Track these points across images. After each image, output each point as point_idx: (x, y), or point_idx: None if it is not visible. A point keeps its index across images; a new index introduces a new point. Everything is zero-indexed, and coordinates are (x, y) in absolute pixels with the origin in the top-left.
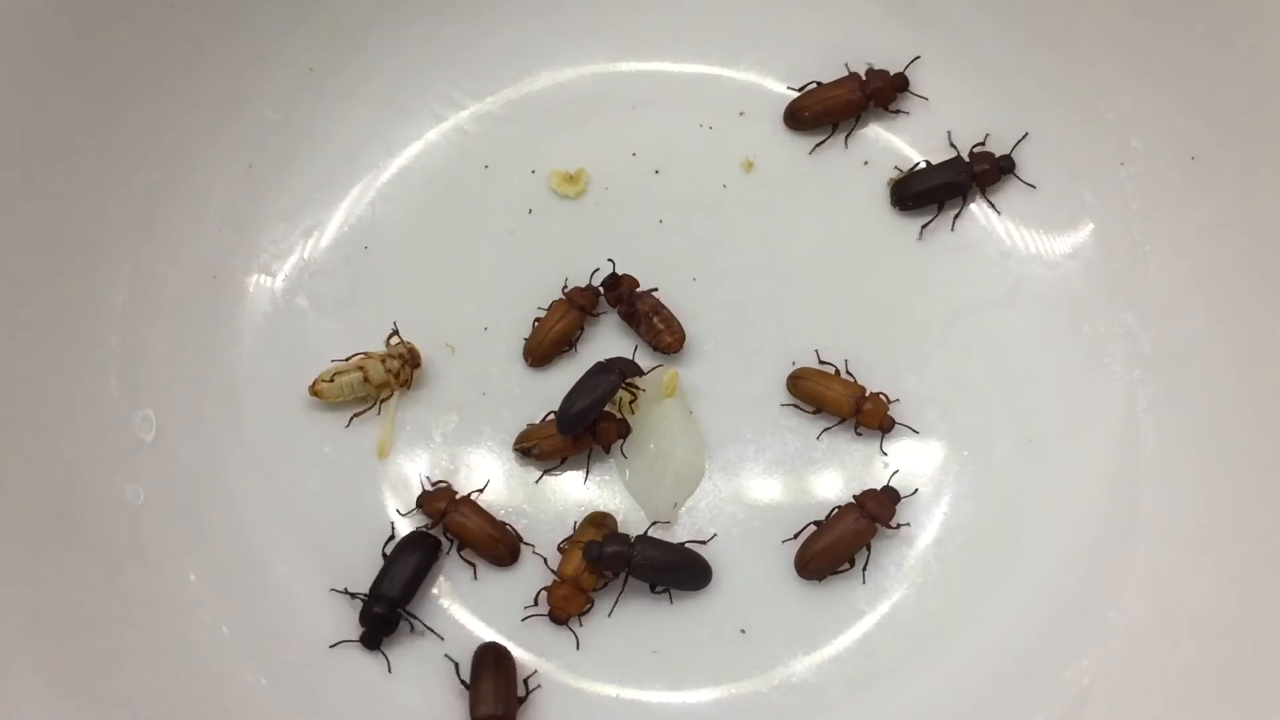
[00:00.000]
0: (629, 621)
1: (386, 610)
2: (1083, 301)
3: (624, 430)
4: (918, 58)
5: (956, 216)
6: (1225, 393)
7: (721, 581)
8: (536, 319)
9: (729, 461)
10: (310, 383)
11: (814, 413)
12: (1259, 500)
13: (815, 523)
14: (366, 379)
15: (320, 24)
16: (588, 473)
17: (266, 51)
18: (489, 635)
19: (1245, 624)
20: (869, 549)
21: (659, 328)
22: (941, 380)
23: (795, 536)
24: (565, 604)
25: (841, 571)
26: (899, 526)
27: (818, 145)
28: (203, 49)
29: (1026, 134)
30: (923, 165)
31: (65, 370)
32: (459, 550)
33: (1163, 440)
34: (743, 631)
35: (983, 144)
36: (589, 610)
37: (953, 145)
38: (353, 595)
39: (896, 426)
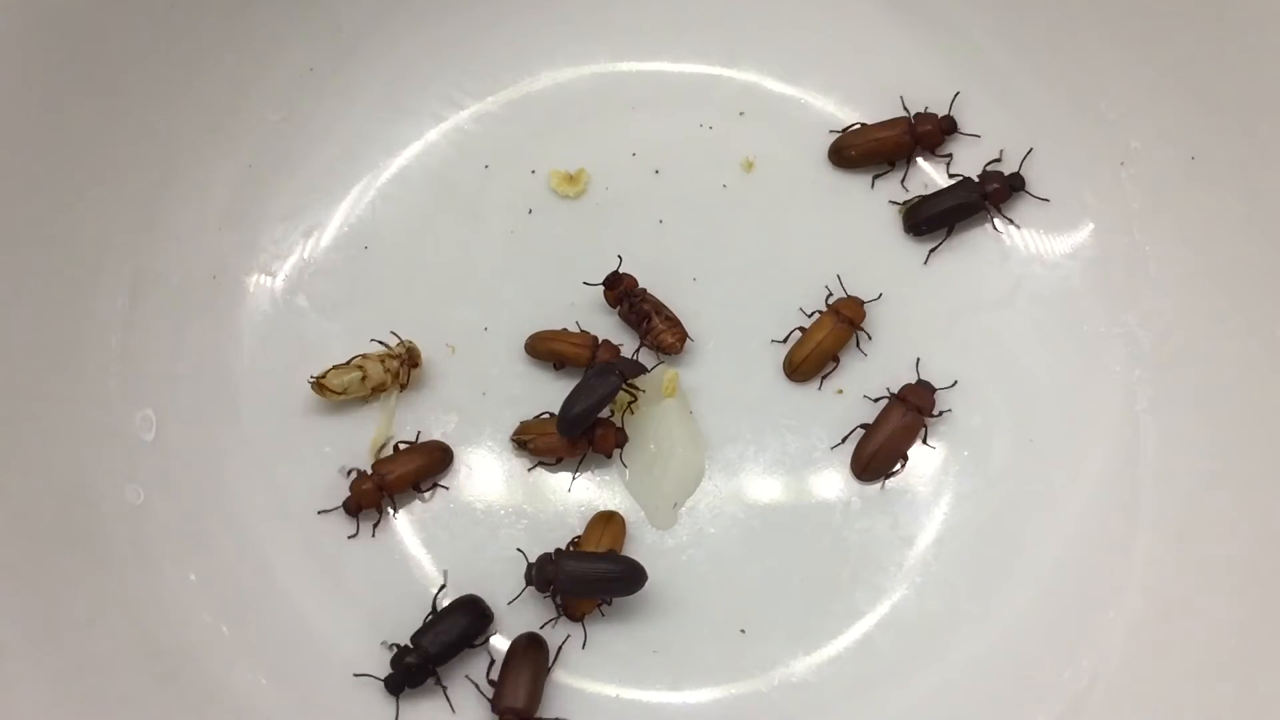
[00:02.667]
0: (629, 621)
1: (419, 663)
2: (1083, 301)
3: (621, 439)
4: (958, 94)
5: (993, 221)
6: (1225, 393)
7: (721, 581)
8: (566, 327)
9: (729, 461)
10: (310, 380)
11: (835, 366)
12: (1259, 500)
13: (862, 426)
14: (365, 378)
15: (320, 24)
16: (574, 475)
17: (266, 51)
18: (494, 636)
19: (1245, 624)
20: (925, 433)
21: (660, 328)
22: (941, 380)
23: (844, 440)
24: (579, 602)
25: (895, 474)
26: (941, 414)
27: (876, 177)
28: (203, 49)
29: (1031, 149)
30: (927, 190)
31: (65, 370)
32: (420, 490)
33: (1163, 440)
34: (743, 631)
35: (998, 160)
36: (607, 605)
37: (953, 174)
38: (393, 647)
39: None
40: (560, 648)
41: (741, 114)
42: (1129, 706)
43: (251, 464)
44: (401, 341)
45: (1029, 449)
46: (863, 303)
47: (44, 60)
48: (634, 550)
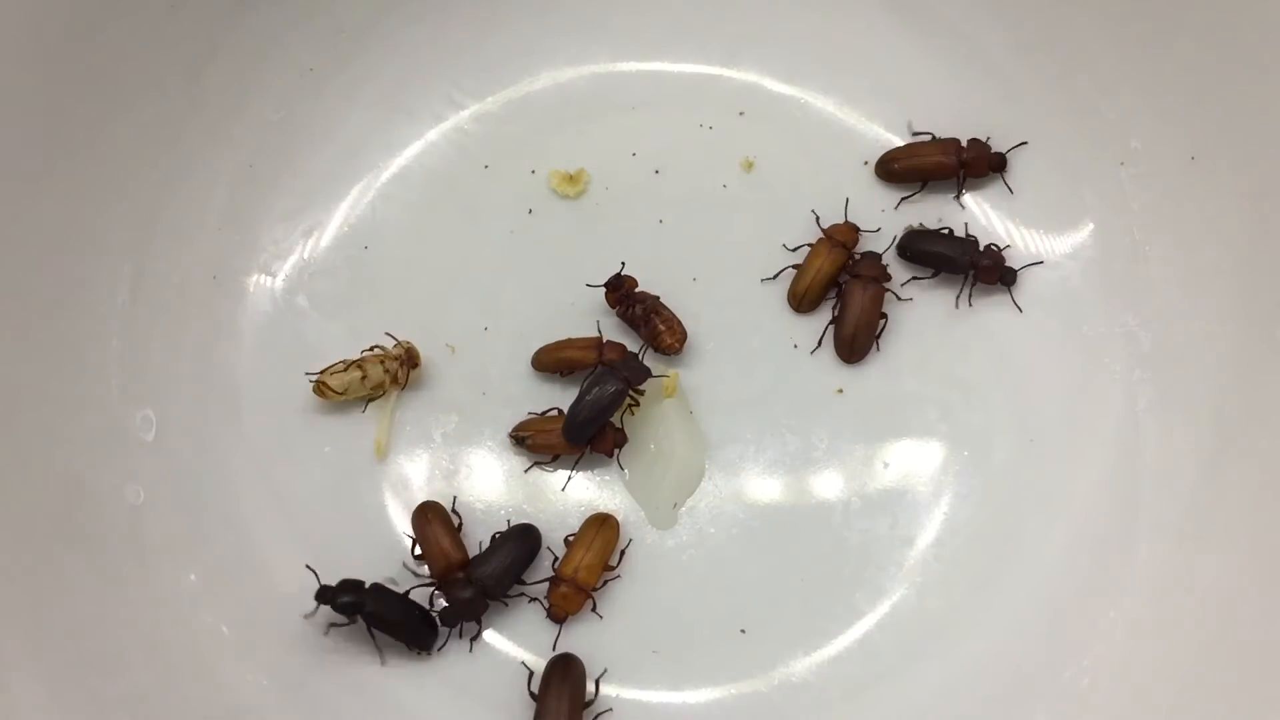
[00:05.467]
0: (629, 621)
1: (352, 602)
2: (1083, 301)
3: (620, 440)
4: (1024, 143)
5: (959, 294)
6: (1225, 393)
7: (721, 581)
8: (571, 337)
9: (729, 461)
10: (312, 382)
11: (836, 295)
12: (1259, 500)
13: (832, 308)
14: (365, 378)
15: (320, 24)
16: (571, 473)
17: (266, 51)
18: (490, 636)
19: (1245, 624)
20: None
21: (660, 328)
22: (941, 380)
23: (819, 343)
24: (564, 602)
25: (879, 335)
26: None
27: (904, 199)
28: (203, 49)
29: (1042, 262)
30: (946, 230)
31: (65, 370)
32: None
33: (1163, 440)
34: (743, 631)
35: (1001, 248)
36: (593, 607)
37: (971, 236)
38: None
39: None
40: (599, 681)
41: (741, 114)
42: (1129, 707)
43: (251, 464)
44: (399, 343)
45: (1029, 449)
46: (856, 228)
47: (44, 60)
48: (634, 550)
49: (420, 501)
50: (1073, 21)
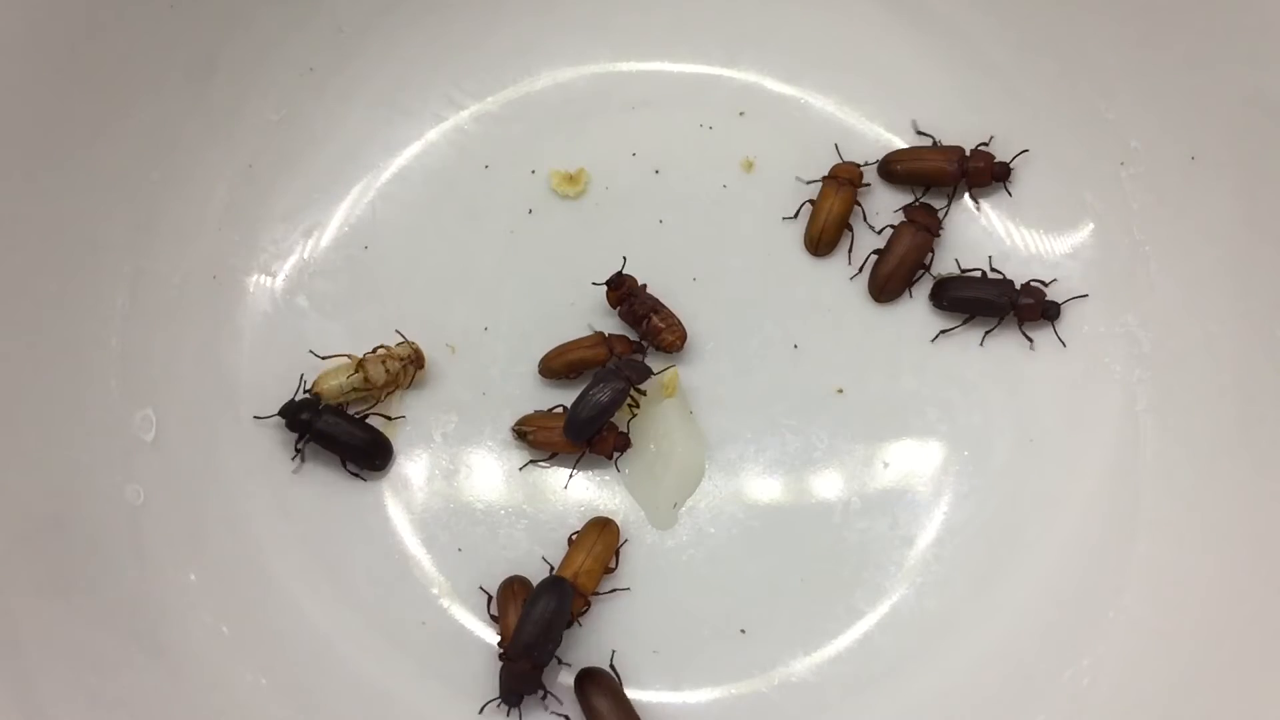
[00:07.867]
0: (629, 621)
1: (311, 417)
2: (1083, 301)
3: (620, 443)
4: (1025, 151)
5: (988, 333)
6: (1225, 393)
7: (721, 581)
8: (568, 342)
9: (729, 461)
10: (312, 382)
11: (852, 236)
12: (1258, 500)
13: (875, 252)
14: (367, 379)
15: (320, 24)
16: (572, 473)
17: (266, 51)
18: (490, 635)
19: (1245, 624)
20: (932, 256)
21: (660, 326)
22: (941, 380)
23: (860, 270)
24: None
25: (914, 283)
26: (942, 228)
27: (914, 206)
28: (203, 49)
29: (1087, 295)
30: (976, 272)
31: (65, 370)
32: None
33: (1163, 440)
34: (743, 631)
35: (1043, 283)
36: (585, 611)
37: (996, 270)
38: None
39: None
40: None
41: (741, 114)
42: (1129, 707)
43: (251, 464)
44: (406, 341)
45: (1029, 449)
46: (858, 165)
47: (44, 60)
48: (634, 550)
49: (509, 575)
50: (1073, 22)
